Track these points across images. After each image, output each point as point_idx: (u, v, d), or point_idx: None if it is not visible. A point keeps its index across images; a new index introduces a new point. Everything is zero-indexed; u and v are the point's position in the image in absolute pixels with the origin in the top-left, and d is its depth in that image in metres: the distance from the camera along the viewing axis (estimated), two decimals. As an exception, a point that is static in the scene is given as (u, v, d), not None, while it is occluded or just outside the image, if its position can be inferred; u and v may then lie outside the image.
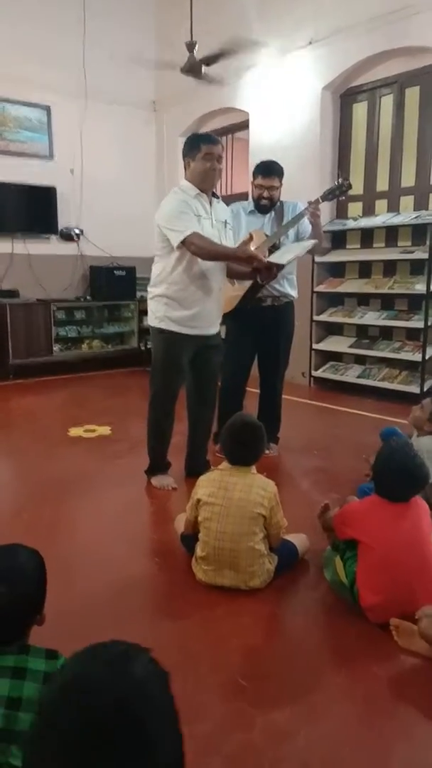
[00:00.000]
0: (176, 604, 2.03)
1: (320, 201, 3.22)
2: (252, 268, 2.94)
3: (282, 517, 2.13)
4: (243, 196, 3.53)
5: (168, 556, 2.34)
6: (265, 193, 3.34)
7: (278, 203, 3.41)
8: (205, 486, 2.13)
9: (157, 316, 2.93)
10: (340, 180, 3.33)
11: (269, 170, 3.35)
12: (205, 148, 2.77)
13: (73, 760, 0.58)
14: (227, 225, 2.97)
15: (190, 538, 2.21)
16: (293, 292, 3.48)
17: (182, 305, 2.85)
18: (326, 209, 5.42)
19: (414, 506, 1.93)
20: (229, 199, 3.69)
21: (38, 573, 1.28)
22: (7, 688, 1.13)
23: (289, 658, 1.76)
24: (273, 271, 2.96)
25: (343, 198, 3.86)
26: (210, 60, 5.26)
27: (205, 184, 2.83)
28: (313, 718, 1.51)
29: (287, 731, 1.47)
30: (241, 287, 3.29)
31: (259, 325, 3.42)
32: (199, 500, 2.12)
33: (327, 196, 3.27)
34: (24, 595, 1.23)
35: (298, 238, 3.35)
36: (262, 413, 3.55)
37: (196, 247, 2.70)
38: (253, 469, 2.16)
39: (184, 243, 2.70)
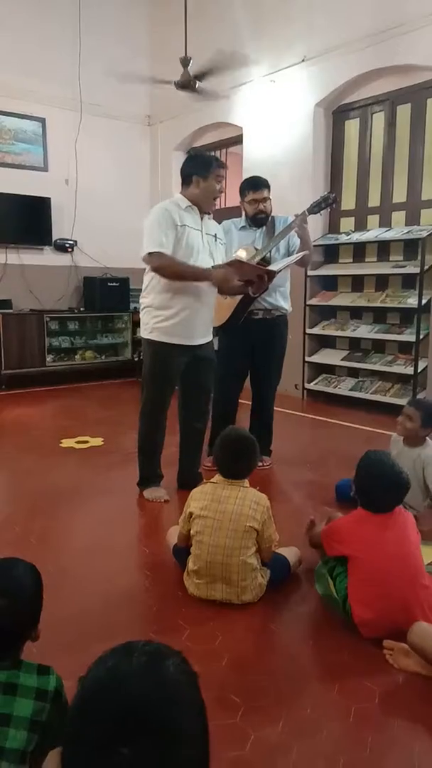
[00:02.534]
0: (167, 617, 2.01)
1: (307, 213, 3.27)
2: (243, 280, 2.96)
3: (274, 531, 2.13)
4: (236, 210, 3.57)
5: (159, 570, 2.33)
6: (260, 206, 3.38)
7: (270, 218, 3.44)
8: (198, 499, 2.12)
9: (147, 327, 2.94)
10: (326, 193, 3.39)
11: (257, 184, 3.40)
12: (218, 171, 2.85)
13: (107, 749, 0.60)
14: (218, 239, 3.00)
15: (182, 551, 2.21)
16: (286, 305, 3.50)
17: (170, 314, 2.86)
18: (318, 224, 5.48)
19: (399, 517, 1.94)
20: (222, 213, 3.72)
21: (36, 587, 1.28)
22: (-2, 704, 1.12)
23: (281, 673, 1.75)
24: (264, 281, 2.97)
25: (329, 210, 3.90)
26: (200, 76, 5.32)
27: (210, 203, 2.90)
28: (306, 733, 1.50)
29: (280, 747, 1.46)
30: (233, 299, 3.31)
31: (251, 338, 3.43)
32: (191, 513, 2.11)
33: (313, 208, 3.32)
34: (22, 610, 1.22)
35: (288, 253, 3.38)
36: (253, 426, 3.55)
37: (158, 265, 2.77)
38: (246, 482, 2.16)
39: (149, 257, 2.77)
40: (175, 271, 2.79)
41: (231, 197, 6.78)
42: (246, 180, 3.50)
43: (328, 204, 3.36)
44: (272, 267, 3.04)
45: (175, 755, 0.62)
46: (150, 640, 0.72)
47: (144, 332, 2.97)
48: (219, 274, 2.83)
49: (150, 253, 2.77)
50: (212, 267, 2.89)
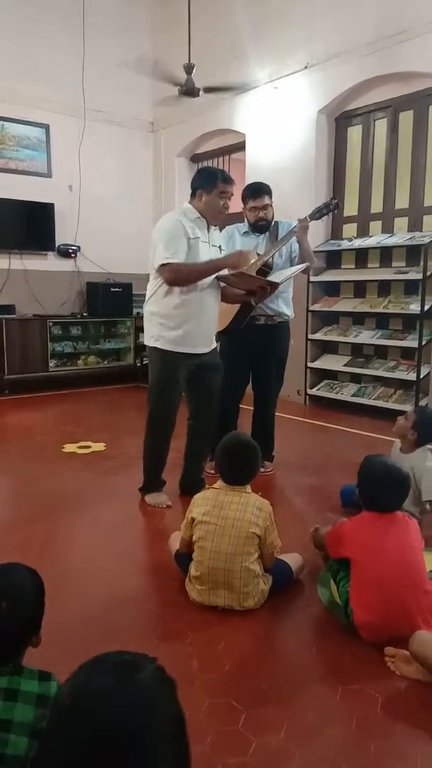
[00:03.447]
0: (169, 624, 2.01)
1: (308, 219, 3.26)
2: (247, 290, 2.97)
3: (276, 537, 2.13)
4: (239, 216, 3.58)
5: (162, 575, 2.33)
6: (261, 213, 3.39)
7: (273, 223, 3.45)
8: (200, 505, 2.12)
9: (152, 335, 2.95)
10: (328, 199, 3.39)
11: (258, 191, 3.41)
12: (222, 187, 2.83)
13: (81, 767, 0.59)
14: (222, 250, 3.03)
15: (184, 557, 2.20)
16: (288, 311, 3.50)
17: (175, 324, 2.87)
18: (321, 230, 5.49)
19: (402, 522, 1.95)
20: (225, 219, 3.73)
21: (37, 592, 1.28)
22: (-1, 709, 1.11)
23: (283, 679, 1.75)
24: (267, 291, 2.98)
25: (331, 216, 3.89)
26: (210, 90, 5.39)
27: (214, 219, 2.89)
28: (308, 740, 1.50)
29: (282, 754, 1.45)
30: (233, 306, 3.31)
31: (252, 343, 3.43)
32: (193, 519, 2.11)
33: (315, 214, 3.31)
34: (24, 614, 1.22)
35: (290, 258, 3.39)
36: (255, 431, 3.55)
37: (172, 277, 2.77)
38: (248, 488, 2.16)
39: (162, 268, 2.77)
40: (190, 275, 2.80)
41: (234, 204, 6.82)
42: (247, 187, 3.50)
43: (330, 210, 3.36)
44: (275, 279, 3.04)
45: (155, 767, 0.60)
46: (123, 651, 0.70)
47: (149, 341, 2.98)
48: (232, 257, 2.87)
49: (163, 265, 2.77)
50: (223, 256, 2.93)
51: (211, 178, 2.87)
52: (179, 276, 2.78)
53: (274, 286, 3.00)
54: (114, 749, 0.59)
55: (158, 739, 0.62)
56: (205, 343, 2.98)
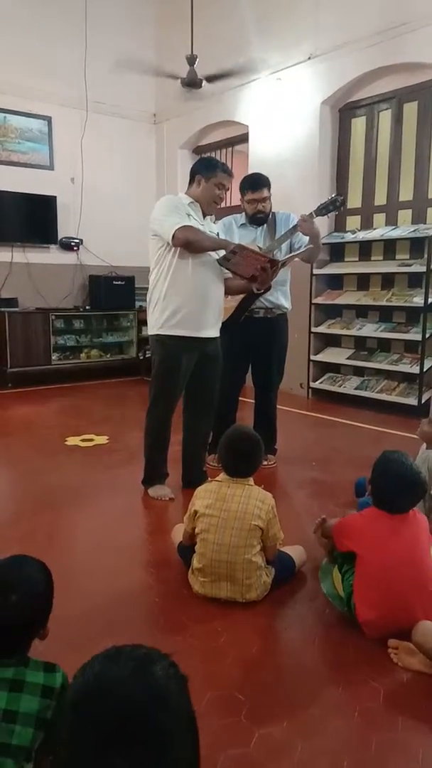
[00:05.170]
0: (172, 616, 2.01)
1: (314, 216, 3.20)
2: (248, 277, 2.94)
3: (279, 530, 2.12)
4: (238, 209, 3.55)
5: (164, 568, 2.33)
6: (259, 206, 3.36)
7: (270, 215, 3.43)
8: (203, 497, 2.12)
9: (156, 323, 2.95)
10: (334, 195, 3.34)
11: (257, 183, 3.37)
12: (221, 177, 2.85)
13: (94, 758, 0.60)
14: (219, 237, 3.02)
15: (186, 550, 2.21)
16: (286, 303, 3.49)
17: (177, 308, 2.86)
18: (324, 222, 5.47)
19: (412, 519, 1.92)
20: (227, 212, 3.71)
21: (47, 585, 1.28)
22: (5, 700, 1.12)
23: (286, 671, 1.76)
24: (269, 273, 2.93)
25: (337, 213, 3.84)
26: (211, 78, 5.35)
27: (208, 208, 2.91)
28: (310, 732, 1.50)
29: (284, 745, 1.46)
30: (234, 298, 3.30)
31: (251, 337, 3.42)
32: (196, 512, 2.11)
33: (320, 211, 3.23)
34: (33, 607, 1.23)
35: (291, 250, 3.36)
36: (257, 424, 3.55)
37: (184, 238, 2.73)
38: (251, 480, 2.16)
39: (174, 235, 2.74)
40: (201, 240, 2.79)
41: (236, 196, 6.77)
42: (245, 178, 3.45)
43: (336, 207, 3.26)
44: (279, 258, 3.01)
45: (166, 760, 0.61)
46: (138, 645, 0.71)
47: (152, 329, 2.97)
48: (237, 244, 2.86)
49: (177, 229, 2.73)
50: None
51: (212, 166, 2.88)
52: (192, 238, 2.74)
53: (276, 264, 2.94)
54: (133, 736, 0.60)
55: (174, 729, 0.63)
56: (210, 325, 2.96)
